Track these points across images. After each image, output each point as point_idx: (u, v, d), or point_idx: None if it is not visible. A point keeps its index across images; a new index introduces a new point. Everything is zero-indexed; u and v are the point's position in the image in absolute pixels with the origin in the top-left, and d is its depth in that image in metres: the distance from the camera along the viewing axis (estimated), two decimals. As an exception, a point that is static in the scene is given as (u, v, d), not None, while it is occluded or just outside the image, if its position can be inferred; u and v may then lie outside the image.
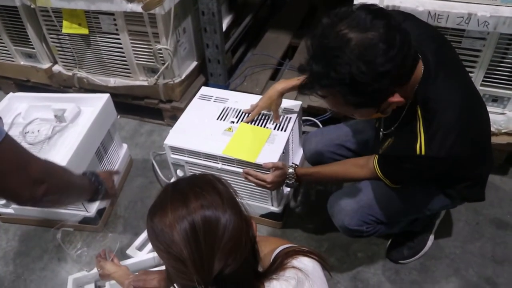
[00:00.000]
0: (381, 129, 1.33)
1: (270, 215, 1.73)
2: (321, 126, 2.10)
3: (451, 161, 1.12)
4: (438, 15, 1.60)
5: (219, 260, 0.71)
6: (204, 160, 1.62)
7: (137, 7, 1.84)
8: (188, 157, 1.64)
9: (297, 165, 1.53)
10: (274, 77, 2.40)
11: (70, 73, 2.27)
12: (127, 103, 2.26)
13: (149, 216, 0.80)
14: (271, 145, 1.58)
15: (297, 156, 1.86)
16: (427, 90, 1.10)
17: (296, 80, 1.59)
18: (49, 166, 1.05)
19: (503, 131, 1.81)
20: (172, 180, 1.85)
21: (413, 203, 1.37)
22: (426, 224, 1.63)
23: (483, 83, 1.77)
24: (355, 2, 1.65)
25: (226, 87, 2.24)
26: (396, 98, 1.05)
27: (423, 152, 1.10)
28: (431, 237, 1.66)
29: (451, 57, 1.22)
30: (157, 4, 1.82)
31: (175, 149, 1.65)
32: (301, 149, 1.87)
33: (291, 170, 1.48)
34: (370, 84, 0.98)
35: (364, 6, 1.01)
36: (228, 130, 1.65)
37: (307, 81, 1.07)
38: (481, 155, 1.28)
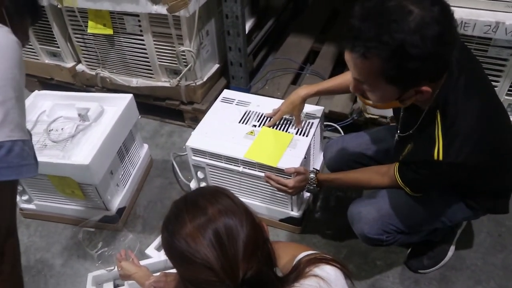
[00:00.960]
0: (398, 132, 1.33)
1: (289, 220, 1.72)
2: (342, 131, 2.09)
3: (469, 168, 1.11)
4: (465, 23, 1.58)
5: (242, 262, 0.72)
6: (225, 163, 1.62)
7: (162, 9, 1.85)
8: (209, 159, 1.65)
9: (318, 170, 1.52)
10: (295, 82, 2.39)
11: (93, 73, 2.30)
12: (148, 103, 2.28)
13: (166, 231, 0.81)
14: (293, 150, 1.58)
15: (317, 161, 1.85)
16: (448, 96, 1.10)
17: (319, 86, 1.58)
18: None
19: (528, 142, 1.78)
20: (192, 181, 1.85)
21: (434, 214, 1.36)
22: (447, 234, 1.61)
23: (509, 92, 1.75)
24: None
25: (247, 90, 2.24)
26: (425, 88, 1.04)
27: (440, 158, 1.09)
28: (452, 248, 1.63)
29: (474, 67, 1.21)
30: (182, 7, 1.83)
31: (197, 151, 1.65)
32: (322, 154, 1.87)
33: (312, 175, 1.48)
34: (416, 60, 0.96)
35: None
36: (250, 134, 1.66)
37: (352, 37, 1.01)
38: (503, 165, 1.26)
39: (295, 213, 1.69)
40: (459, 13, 1.58)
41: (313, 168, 1.55)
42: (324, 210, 1.87)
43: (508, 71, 1.68)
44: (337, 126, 2.09)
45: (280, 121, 1.69)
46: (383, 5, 0.98)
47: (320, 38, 2.61)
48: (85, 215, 1.77)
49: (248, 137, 1.64)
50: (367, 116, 1.99)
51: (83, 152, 1.63)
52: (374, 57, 1.00)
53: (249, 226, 0.76)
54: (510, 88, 1.73)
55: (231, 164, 1.62)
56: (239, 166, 1.60)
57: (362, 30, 0.98)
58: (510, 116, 1.29)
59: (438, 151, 1.09)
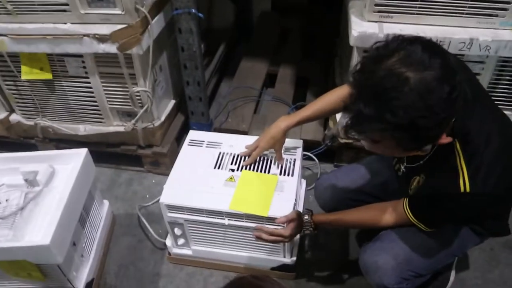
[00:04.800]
0: (404, 164, 1.25)
1: (282, 267, 1.58)
2: (316, 160, 1.99)
3: (496, 196, 1.06)
4: (440, 41, 1.54)
5: None
6: (207, 217, 1.45)
7: (111, 48, 1.64)
8: (188, 214, 1.46)
9: (311, 210, 1.39)
10: (255, 110, 2.26)
11: (31, 123, 2.01)
12: (100, 151, 2.03)
13: None
14: (281, 193, 1.44)
15: (299, 198, 1.73)
16: (466, 123, 1.04)
17: (299, 115, 1.45)
18: None
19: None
20: (168, 238, 1.64)
21: (450, 250, 1.28)
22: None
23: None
24: (353, 31, 1.57)
25: (209, 125, 2.08)
26: (445, 139, 0.98)
27: (467, 189, 1.02)
28: (453, 272, 1.57)
29: (481, 89, 1.18)
30: (134, 44, 1.63)
31: (172, 207, 1.46)
32: (302, 187, 1.75)
33: (307, 218, 1.35)
34: (431, 129, 0.90)
35: (417, 40, 0.92)
36: (230, 180, 1.49)
37: (354, 123, 0.95)
38: None
39: (287, 260, 1.55)
40: (433, 32, 1.54)
41: (306, 209, 1.43)
42: (313, 248, 1.74)
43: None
44: (311, 155, 1.99)
45: (257, 159, 1.54)
46: (374, 78, 0.89)
47: (274, 60, 2.50)
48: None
49: (229, 184, 1.48)
50: (342, 141, 1.90)
51: (38, 228, 1.38)
52: (384, 139, 0.96)
53: None
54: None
55: (215, 218, 1.45)
56: (224, 219, 1.44)
57: (361, 115, 0.91)
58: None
59: (464, 182, 1.02)
